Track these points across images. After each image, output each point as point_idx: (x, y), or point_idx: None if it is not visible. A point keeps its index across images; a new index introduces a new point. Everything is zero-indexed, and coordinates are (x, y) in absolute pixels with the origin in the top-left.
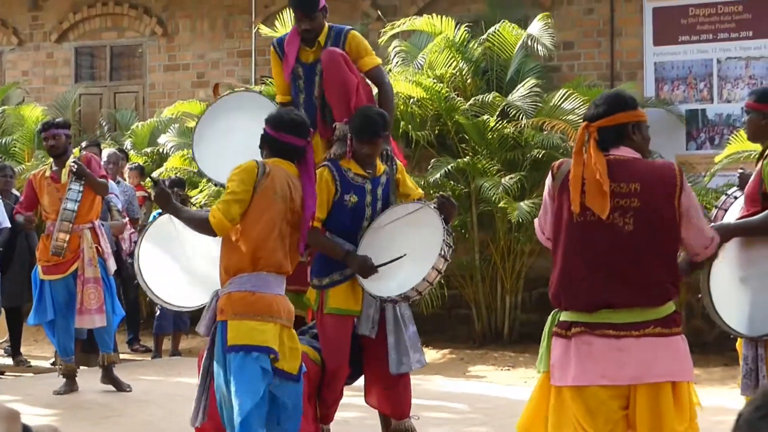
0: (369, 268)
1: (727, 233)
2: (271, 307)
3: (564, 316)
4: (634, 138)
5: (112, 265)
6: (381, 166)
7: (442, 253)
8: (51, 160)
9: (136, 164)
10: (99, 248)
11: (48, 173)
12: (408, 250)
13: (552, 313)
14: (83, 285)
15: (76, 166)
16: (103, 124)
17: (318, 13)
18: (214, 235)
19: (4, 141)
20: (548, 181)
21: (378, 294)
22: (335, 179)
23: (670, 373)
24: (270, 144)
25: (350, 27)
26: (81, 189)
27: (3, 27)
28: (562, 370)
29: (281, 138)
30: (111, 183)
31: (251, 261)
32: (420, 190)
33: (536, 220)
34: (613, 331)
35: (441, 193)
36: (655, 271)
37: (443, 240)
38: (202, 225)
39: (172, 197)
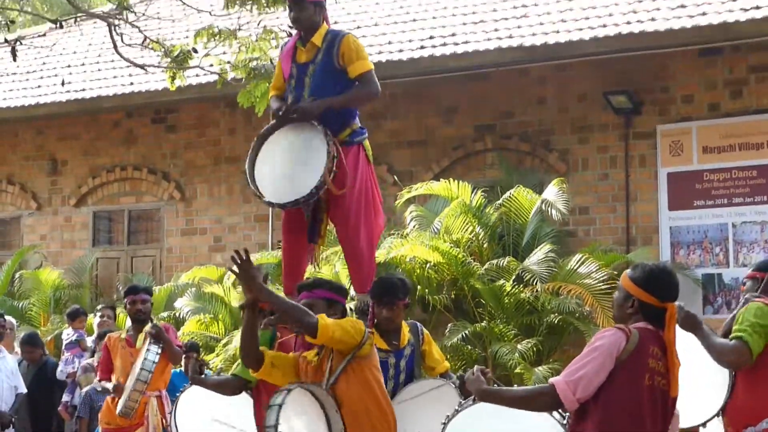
0: None
1: (691, 326)
2: None
3: None
4: None
5: None
6: (406, 336)
7: None
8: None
9: None
10: (164, 419)
11: (124, 336)
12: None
13: None
14: None
15: (155, 330)
16: (120, 288)
17: (307, 4)
18: (314, 336)
19: (20, 305)
20: (619, 343)
21: None
22: None
23: None
24: None
25: (347, 32)
26: (159, 353)
27: (22, 192)
28: None
29: None
30: None
31: None
32: (446, 363)
33: (563, 382)
34: None
35: (462, 373)
36: None
37: None
38: (302, 323)
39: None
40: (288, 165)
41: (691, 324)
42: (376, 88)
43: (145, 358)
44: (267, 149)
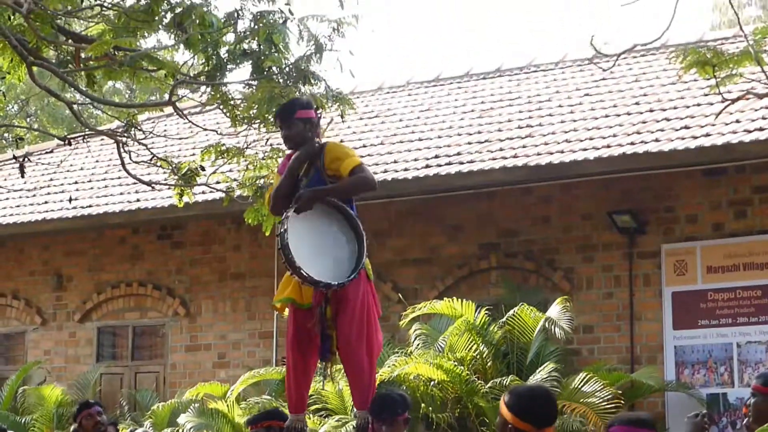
0: None
1: None
2: None
3: None
4: None
5: None
6: None
7: None
8: None
9: None
10: None
11: None
12: None
13: None
14: None
15: None
16: (123, 404)
17: (295, 121)
18: None
19: (23, 420)
20: None
21: None
22: None
23: None
24: None
25: (328, 140)
26: None
27: (27, 307)
28: None
29: None
30: None
31: None
32: None
33: None
34: None
35: None
36: None
37: None
38: None
39: None
40: (328, 247)
41: None
42: (372, 178)
43: None
44: (298, 230)
